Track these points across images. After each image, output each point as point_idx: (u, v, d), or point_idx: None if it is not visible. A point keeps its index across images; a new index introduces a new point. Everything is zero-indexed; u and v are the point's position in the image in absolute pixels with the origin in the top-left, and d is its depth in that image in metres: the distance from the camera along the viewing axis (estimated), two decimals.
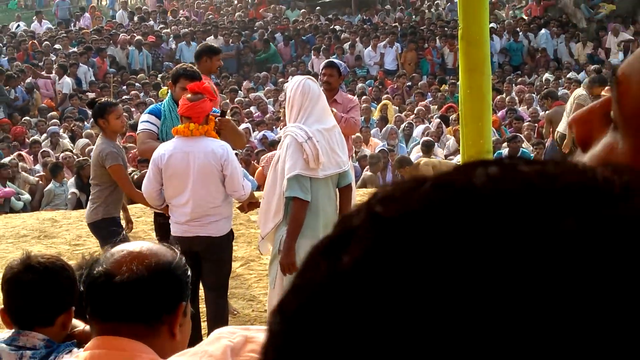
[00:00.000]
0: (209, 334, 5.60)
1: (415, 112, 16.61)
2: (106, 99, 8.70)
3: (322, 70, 7.75)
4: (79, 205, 11.79)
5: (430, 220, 0.44)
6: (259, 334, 1.36)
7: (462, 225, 0.43)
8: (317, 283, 0.45)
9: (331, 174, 5.20)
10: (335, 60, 8.32)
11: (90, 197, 6.46)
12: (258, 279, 7.19)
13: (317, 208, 5.14)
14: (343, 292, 0.43)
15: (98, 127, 6.23)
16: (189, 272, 2.01)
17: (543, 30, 22.12)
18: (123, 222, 7.10)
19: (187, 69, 6.53)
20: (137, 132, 6.70)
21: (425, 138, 13.76)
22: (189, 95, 5.62)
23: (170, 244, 6.04)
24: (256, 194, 8.93)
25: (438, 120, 15.31)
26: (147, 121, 6.43)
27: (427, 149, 12.96)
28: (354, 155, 11.56)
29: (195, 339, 5.63)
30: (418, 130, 14.94)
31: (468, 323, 0.40)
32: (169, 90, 6.69)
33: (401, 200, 0.46)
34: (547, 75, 19.63)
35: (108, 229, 6.31)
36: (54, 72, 19.54)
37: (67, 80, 19.26)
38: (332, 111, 7.07)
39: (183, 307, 1.95)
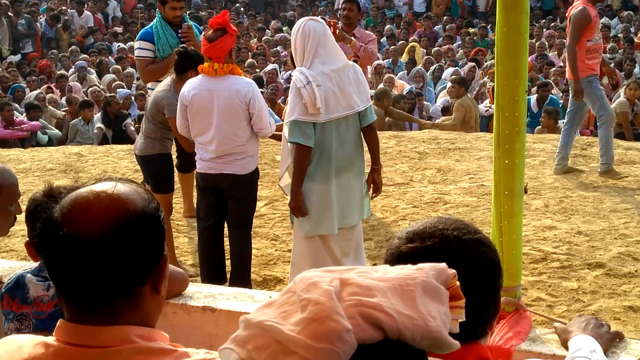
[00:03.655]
0: (232, 271, 5.65)
1: (442, 54, 16.40)
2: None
3: (342, 5, 7.90)
4: (104, 140, 11.83)
5: None
6: (349, 274, 1.29)
7: None
8: None
9: (340, 117, 5.02)
10: None
11: (144, 131, 6.33)
12: (282, 219, 7.19)
13: (328, 152, 5.05)
14: None
15: (185, 75, 5.94)
16: (161, 209, 1.59)
17: None
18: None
19: None
20: (135, 57, 7.48)
21: (459, 76, 13.16)
22: (209, 33, 5.55)
23: (197, 182, 6.01)
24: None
25: (472, 63, 15.03)
26: (142, 48, 7.07)
27: (460, 84, 11.99)
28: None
29: (220, 276, 5.67)
30: (447, 73, 14.72)
31: None
32: (158, 10, 7.23)
33: None
34: None
35: (161, 165, 6.33)
36: (74, 7, 19.54)
37: (89, 14, 19.23)
38: (352, 41, 7.15)
39: (167, 258, 1.58)
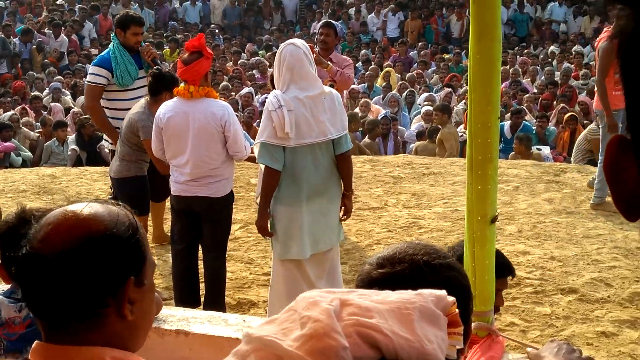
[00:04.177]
0: (206, 294, 5.62)
1: (414, 79, 16.51)
2: None
3: (319, 30, 7.93)
4: (78, 162, 11.77)
5: None
6: (350, 296, 1.31)
7: None
8: None
9: (312, 143, 5.02)
10: (331, 21, 8.48)
11: (119, 153, 6.33)
12: (256, 242, 7.18)
13: (299, 177, 5.05)
14: None
15: (160, 97, 5.97)
16: (139, 233, 1.58)
17: (551, 3, 21.93)
18: None
19: (135, 16, 7.10)
20: (86, 82, 7.25)
21: (441, 103, 13.32)
22: (185, 56, 5.58)
23: (171, 204, 5.98)
24: None
25: (448, 89, 15.11)
26: (95, 74, 6.88)
27: (443, 112, 12.06)
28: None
29: (194, 300, 5.64)
30: (421, 99, 14.81)
31: None
32: (116, 35, 7.03)
33: None
34: (552, 47, 19.49)
35: (136, 187, 6.32)
36: (50, 29, 19.49)
37: (64, 37, 19.19)
38: (328, 65, 7.20)
39: (132, 282, 1.55)
